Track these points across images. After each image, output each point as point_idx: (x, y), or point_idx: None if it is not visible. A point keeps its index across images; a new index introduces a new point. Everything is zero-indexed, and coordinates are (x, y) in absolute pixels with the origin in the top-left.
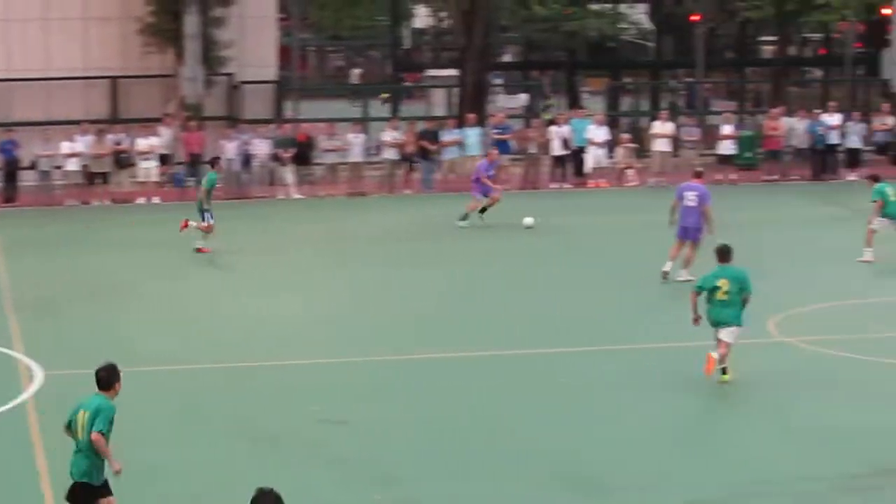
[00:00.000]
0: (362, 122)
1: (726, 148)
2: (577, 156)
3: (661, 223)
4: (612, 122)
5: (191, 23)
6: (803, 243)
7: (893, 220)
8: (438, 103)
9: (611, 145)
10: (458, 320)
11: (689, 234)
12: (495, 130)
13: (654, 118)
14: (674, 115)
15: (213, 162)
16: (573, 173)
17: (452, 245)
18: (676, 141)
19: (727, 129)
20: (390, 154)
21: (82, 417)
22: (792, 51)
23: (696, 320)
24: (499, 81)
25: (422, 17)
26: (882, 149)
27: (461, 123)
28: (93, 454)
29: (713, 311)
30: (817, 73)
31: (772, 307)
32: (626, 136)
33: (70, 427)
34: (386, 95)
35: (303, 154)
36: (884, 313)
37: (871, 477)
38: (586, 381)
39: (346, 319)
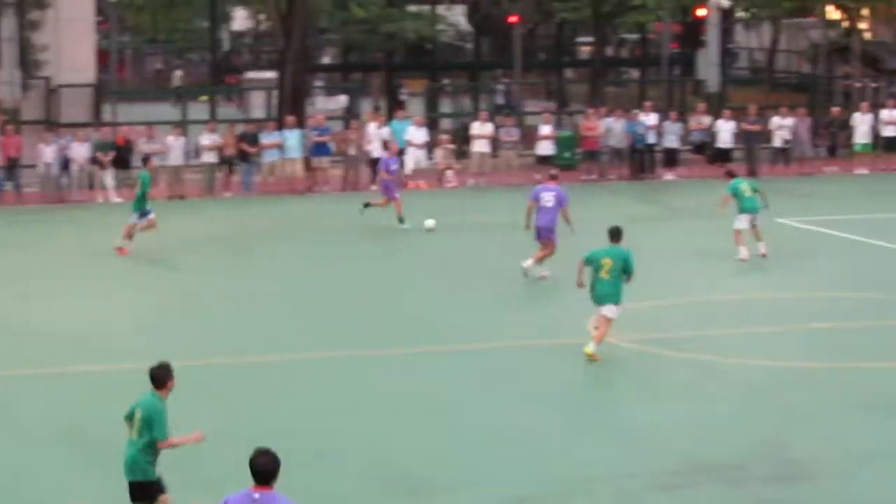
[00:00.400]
0: (182, 125)
1: (545, 148)
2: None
3: (486, 224)
4: (431, 124)
5: (7, 26)
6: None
7: (751, 214)
8: (258, 105)
9: (430, 147)
10: (288, 322)
11: (543, 233)
12: (314, 132)
13: (473, 119)
14: (493, 116)
15: (145, 161)
16: None
17: (274, 247)
18: (495, 142)
19: (545, 130)
20: (209, 157)
21: (138, 415)
22: (609, 51)
23: (580, 285)
24: (319, 83)
25: (241, 20)
26: (698, 148)
27: (281, 126)
28: (145, 452)
29: (596, 287)
30: (634, 73)
31: (591, 307)
32: (445, 137)
33: (130, 420)
34: (206, 98)
35: (122, 157)
36: (701, 312)
37: (688, 473)
38: (411, 381)
39: (163, 323)
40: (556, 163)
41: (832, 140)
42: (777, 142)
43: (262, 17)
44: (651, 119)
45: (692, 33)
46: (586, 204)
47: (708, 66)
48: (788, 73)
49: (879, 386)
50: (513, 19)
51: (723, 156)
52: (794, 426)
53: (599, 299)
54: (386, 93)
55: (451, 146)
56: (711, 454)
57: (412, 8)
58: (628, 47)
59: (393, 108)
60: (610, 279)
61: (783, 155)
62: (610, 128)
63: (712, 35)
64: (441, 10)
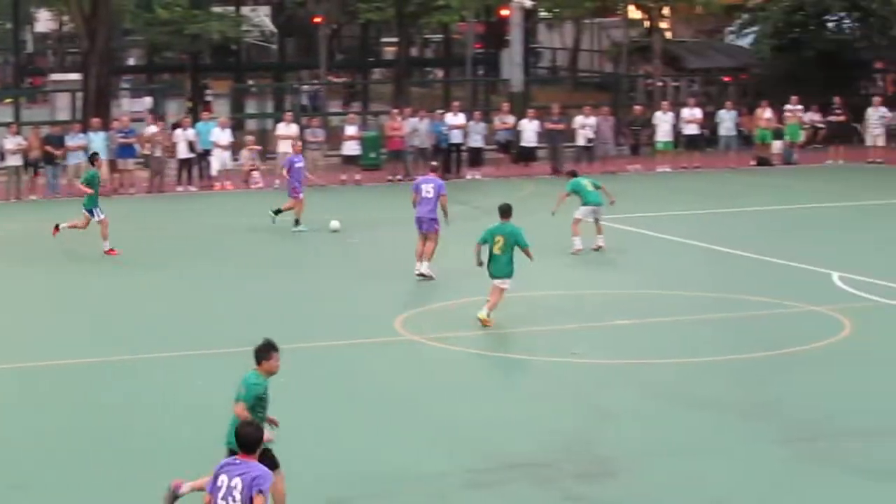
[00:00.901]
0: None
1: (350, 149)
2: (202, 158)
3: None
4: (236, 125)
5: None
6: None
7: (594, 207)
8: (63, 108)
9: (235, 148)
10: (95, 325)
11: (424, 224)
12: (120, 134)
13: (278, 120)
14: (298, 116)
15: (92, 159)
16: (199, 176)
17: (89, 248)
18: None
19: (351, 131)
20: (14, 160)
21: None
22: (414, 52)
23: (479, 264)
24: (124, 85)
25: (44, 22)
26: (504, 147)
27: (86, 128)
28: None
29: (490, 263)
30: (439, 73)
31: (399, 306)
32: (250, 138)
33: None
34: (9, 100)
35: None
36: (508, 309)
37: (497, 471)
38: (219, 382)
39: None
40: (362, 163)
41: (635, 138)
42: (581, 140)
43: (65, 18)
44: (457, 119)
45: (496, 33)
46: (392, 204)
47: (511, 65)
48: (591, 72)
49: (684, 382)
50: (317, 20)
51: (527, 155)
52: (601, 423)
53: (495, 274)
54: (192, 94)
55: (257, 147)
56: (521, 452)
57: (217, 9)
58: (433, 48)
59: (198, 109)
60: (503, 255)
61: (587, 153)
62: (415, 128)
63: (515, 35)
64: (246, 10)
